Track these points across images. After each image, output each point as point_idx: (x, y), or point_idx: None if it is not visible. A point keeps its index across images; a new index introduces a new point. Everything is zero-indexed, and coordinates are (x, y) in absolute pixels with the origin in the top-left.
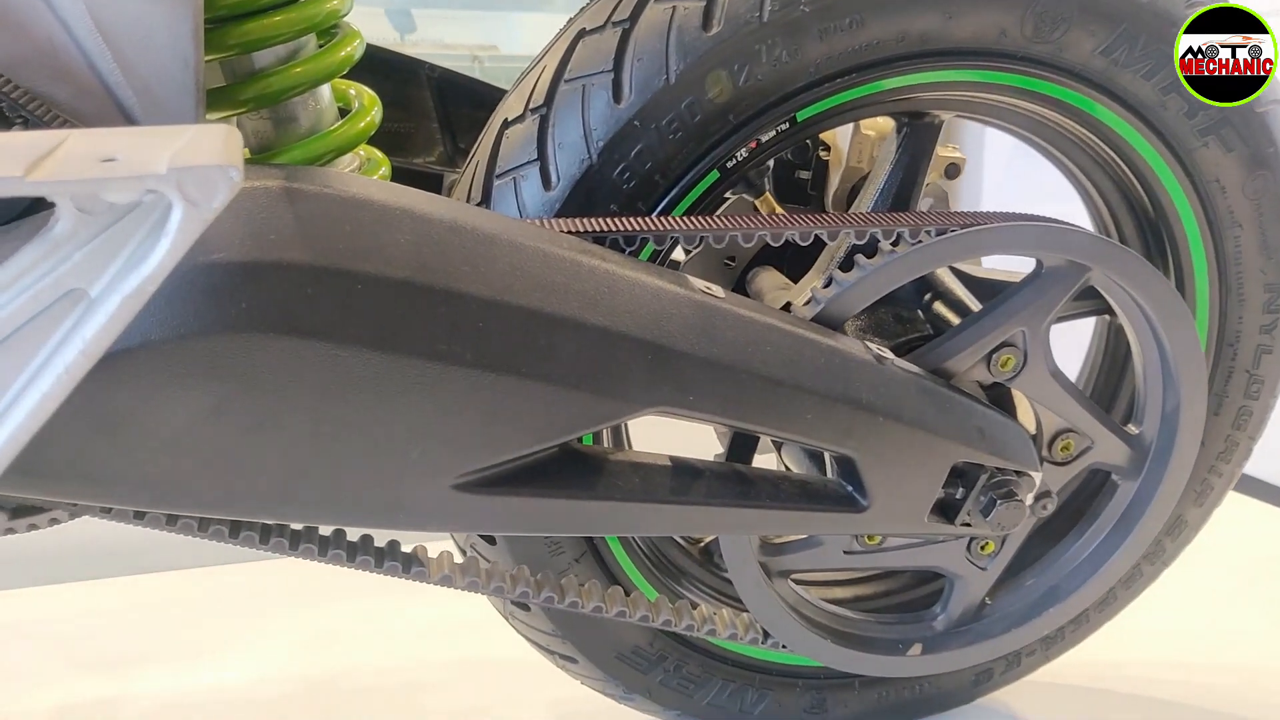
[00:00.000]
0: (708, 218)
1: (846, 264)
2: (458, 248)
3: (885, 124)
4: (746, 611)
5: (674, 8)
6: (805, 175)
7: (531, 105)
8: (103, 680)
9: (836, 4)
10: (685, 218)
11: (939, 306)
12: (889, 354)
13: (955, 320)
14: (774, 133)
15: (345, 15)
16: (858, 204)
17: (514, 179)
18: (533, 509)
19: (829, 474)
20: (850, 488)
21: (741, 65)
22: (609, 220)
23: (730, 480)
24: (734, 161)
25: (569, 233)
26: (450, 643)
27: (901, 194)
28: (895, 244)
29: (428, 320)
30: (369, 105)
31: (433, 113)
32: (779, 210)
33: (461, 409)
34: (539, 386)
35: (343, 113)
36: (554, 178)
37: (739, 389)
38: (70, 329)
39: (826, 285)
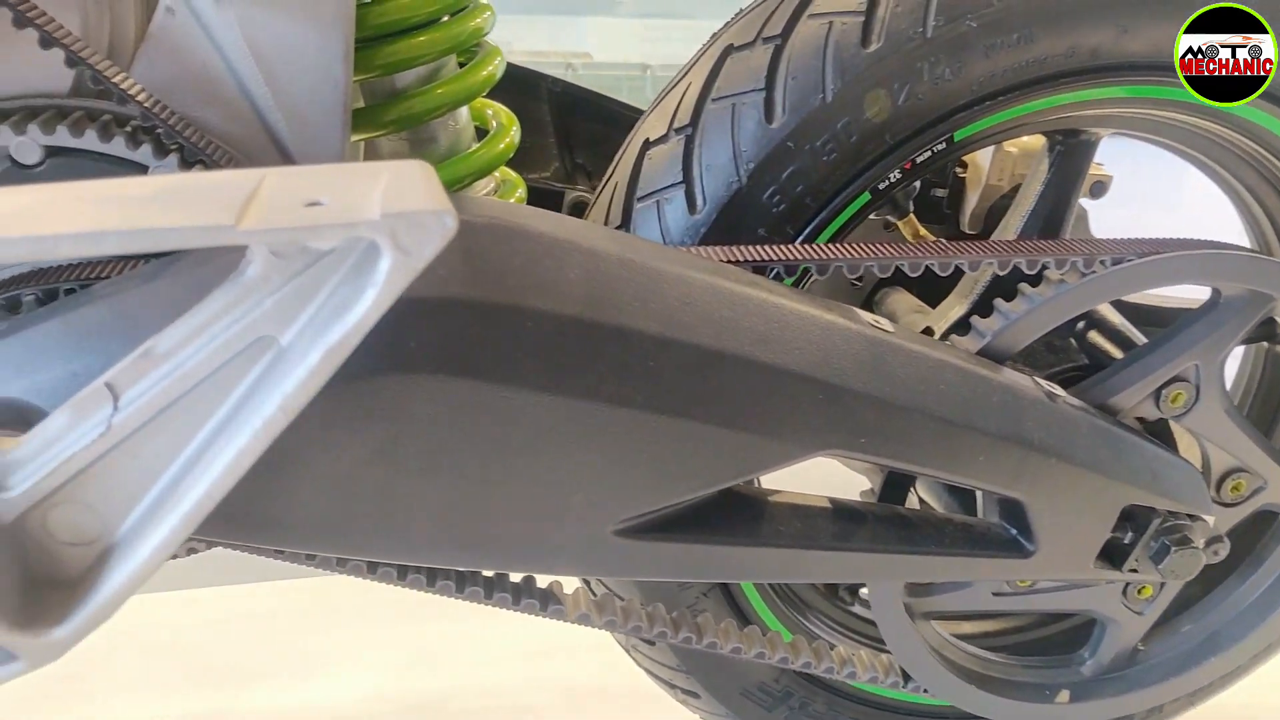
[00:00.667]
0: (877, 245)
1: (1005, 292)
2: (627, 282)
3: (1029, 141)
4: (883, 652)
5: (830, 23)
6: (941, 193)
7: (676, 125)
8: (210, 692)
9: (1005, 19)
10: (852, 246)
11: (1095, 336)
12: (1059, 390)
13: (1113, 350)
14: (929, 153)
15: (488, 33)
16: (1003, 225)
17: (657, 201)
18: (693, 555)
19: (979, 509)
20: (1015, 531)
21: (902, 83)
22: (772, 249)
23: (893, 525)
24: (886, 183)
25: (730, 263)
26: (556, 667)
27: (1053, 216)
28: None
29: (597, 360)
30: (508, 125)
31: (550, 127)
32: (922, 232)
33: (627, 452)
34: (708, 429)
35: (479, 131)
36: (700, 201)
37: (912, 430)
38: (260, 376)
39: (971, 313)
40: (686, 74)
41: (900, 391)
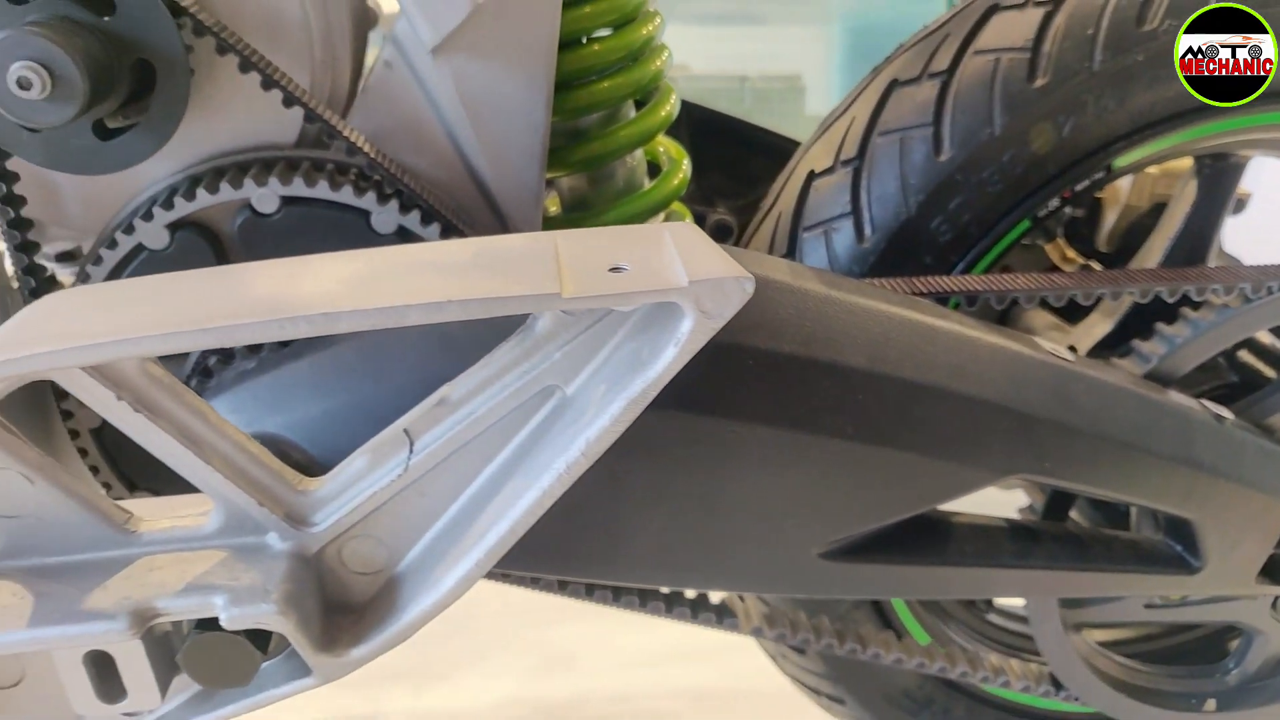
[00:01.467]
0: (1060, 276)
1: (1150, 311)
2: (834, 319)
3: (1172, 162)
4: (1020, 657)
5: (997, 59)
6: (1078, 213)
7: (842, 158)
8: (348, 696)
9: (1171, 50)
10: (1042, 276)
11: (1246, 355)
12: (1226, 413)
13: (1266, 370)
14: (1088, 181)
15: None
16: (1148, 246)
17: (825, 231)
18: (887, 575)
19: (1133, 527)
20: (1181, 548)
21: (1067, 116)
22: (957, 281)
23: (1068, 543)
24: (1046, 210)
25: (916, 294)
26: (685, 671)
27: (1200, 237)
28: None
29: (812, 394)
30: (679, 160)
31: (686, 149)
32: (1069, 254)
33: (837, 481)
34: (909, 457)
35: (649, 165)
36: (867, 230)
37: (1092, 454)
38: (543, 421)
39: (1120, 335)
40: (849, 107)
41: (1082, 417)
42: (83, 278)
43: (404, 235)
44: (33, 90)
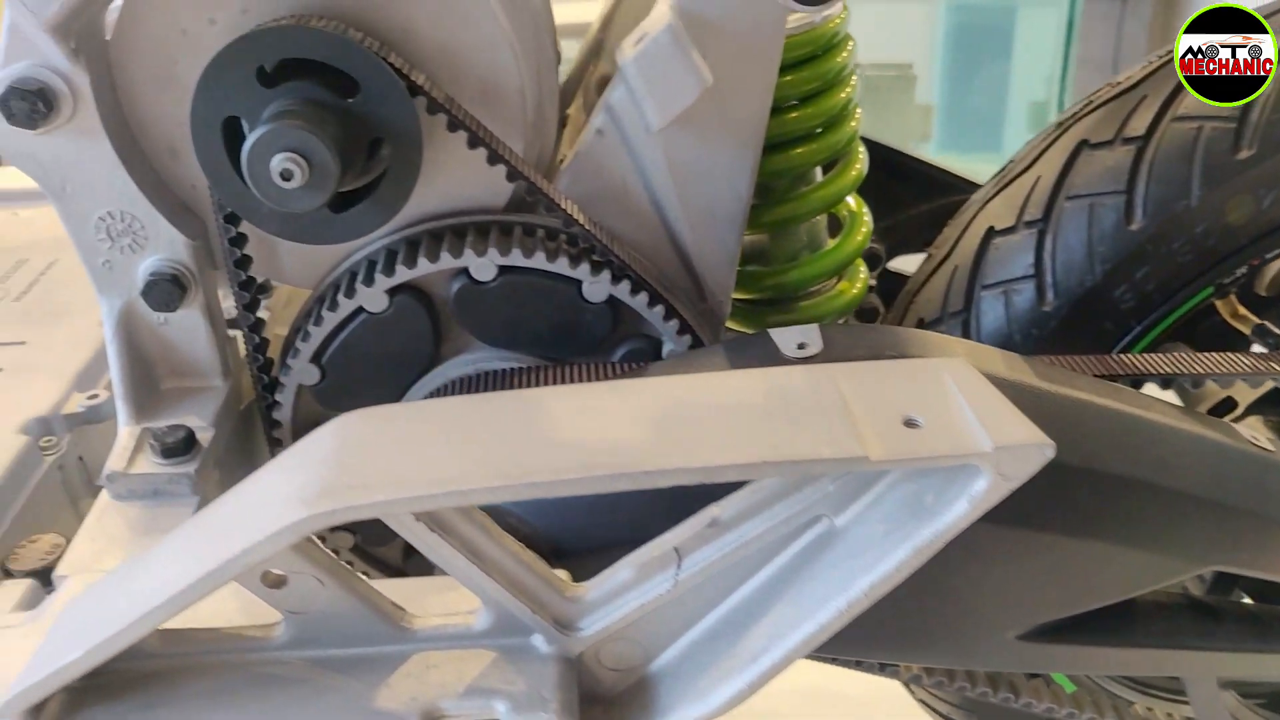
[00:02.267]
0: (1253, 358)
1: None
2: (1050, 415)
3: None
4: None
5: (1200, 127)
6: None
7: (1026, 218)
8: None
9: None
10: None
11: None
12: None
13: None
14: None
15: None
16: None
17: (1005, 291)
18: (1076, 655)
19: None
20: None
21: (1270, 189)
22: (1152, 361)
23: (1250, 623)
24: (1231, 278)
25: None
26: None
27: None
28: None
29: (1028, 491)
30: (859, 214)
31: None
32: (1241, 311)
33: (1042, 571)
34: (1111, 549)
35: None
36: (1050, 295)
37: None
38: (809, 549)
39: None
40: (1034, 164)
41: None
42: (304, 336)
43: (613, 304)
44: (293, 180)
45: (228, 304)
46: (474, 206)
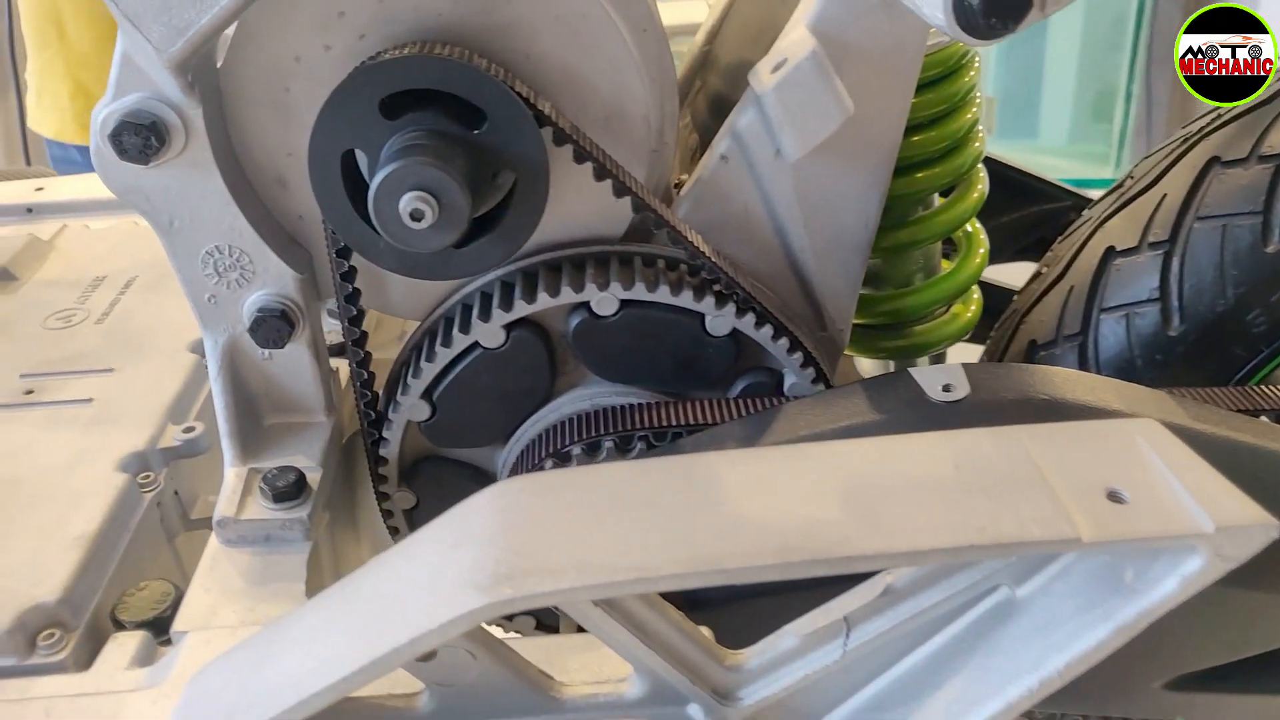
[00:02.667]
0: None
1: None
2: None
3: None
4: None
5: None
6: None
7: (1150, 239)
8: None
9: None
10: None
11: None
12: None
13: None
14: None
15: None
16: None
17: (1127, 315)
18: (1217, 704)
19: None
20: None
21: None
22: None
23: None
24: None
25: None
26: None
27: None
28: None
29: None
30: (977, 236)
31: None
32: None
33: (1197, 622)
34: (1265, 597)
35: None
36: (1176, 319)
37: None
38: (986, 619)
39: None
40: (1158, 182)
41: None
42: (415, 371)
43: (735, 338)
44: (424, 221)
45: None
46: (592, 237)
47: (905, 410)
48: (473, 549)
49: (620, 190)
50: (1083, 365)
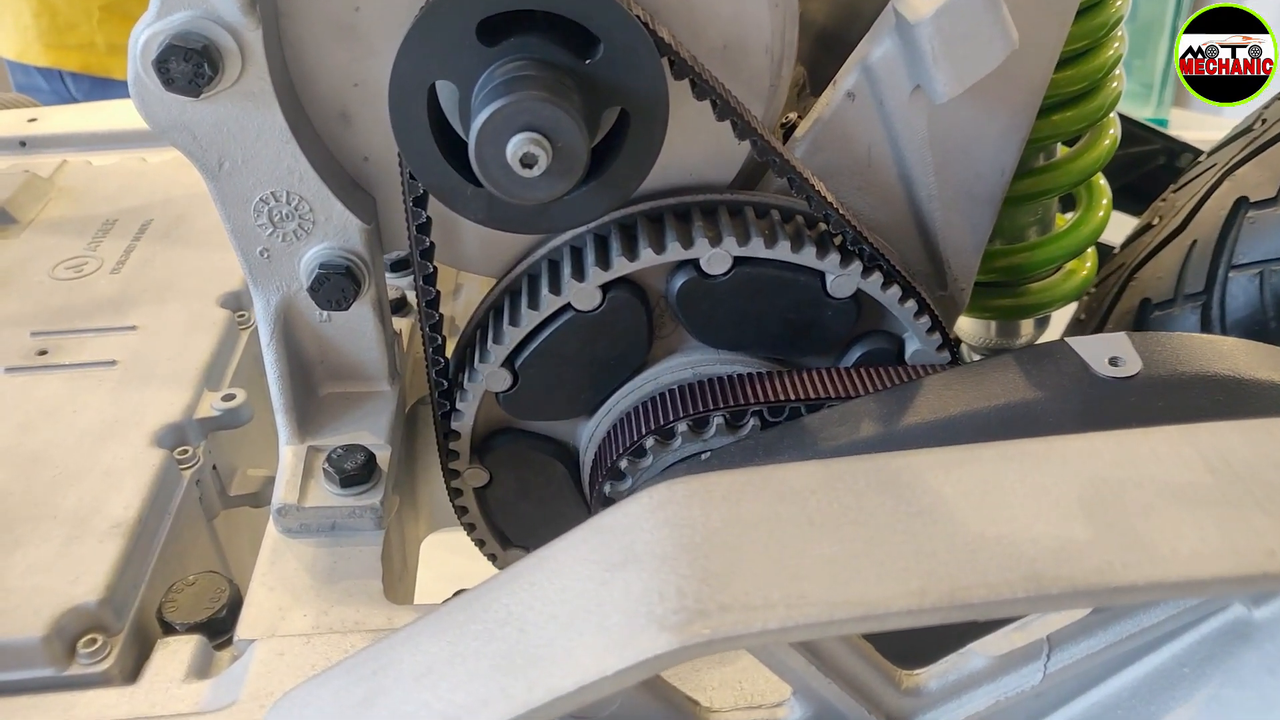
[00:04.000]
0: None
1: None
2: None
3: None
4: None
5: None
6: None
7: None
8: None
9: None
10: None
11: None
12: None
13: None
14: None
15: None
16: None
17: (1261, 273)
18: None
19: None
20: None
21: None
22: None
23: None
24: None
25: None
26: None
27: None
28: None
29: None
30: (1099, 192)
31: None
32: None
33: None
34: None
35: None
36: None
37: None
38: (1212, 640)
39: None
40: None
41: None
42: (496, 336)
43: (857, 299)
44: (536, 167)
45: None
46: (699, 183)
47: (1071, 387)
48: (644, 573)
49: (742, 132)
50: (1205, 326)
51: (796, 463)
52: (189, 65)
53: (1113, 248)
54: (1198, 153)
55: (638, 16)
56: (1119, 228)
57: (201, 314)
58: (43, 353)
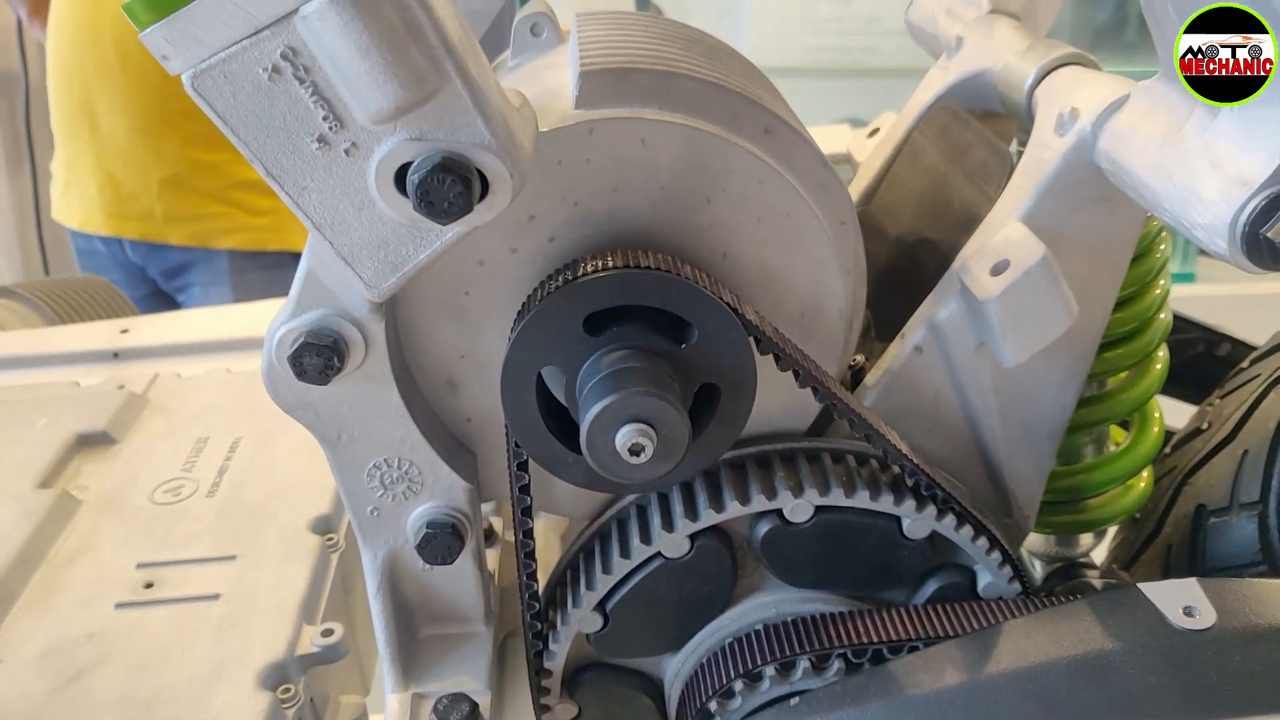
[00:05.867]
0: None
1: None
2: None
3: None
4: None
5: None
6: None
7: None
8: None
9: None
10: None
11: None
12: None
13: None
14: None
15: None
16: None
17: None
18: None
19: None
20: None
21: None
22: None
23: None
24: None
25: None
26: None
27: None
28: None
29: None
30: (1153, 408)
31: None
32: None
33: None
34: None
35: None
36: None
37: None
38: None
39: None
40: None
41: None
42: (589, 583)
43: (933, 540)
44: (643, 455)
45: None
46: (777, 432)
47: (1147, 638)
48: None
49: (822, 396)
50: (1263, 535)
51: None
52: (320, 359)
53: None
54: (1235, 342)
55: (726, 303)
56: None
57: (295, 541)
58: (149, 585)
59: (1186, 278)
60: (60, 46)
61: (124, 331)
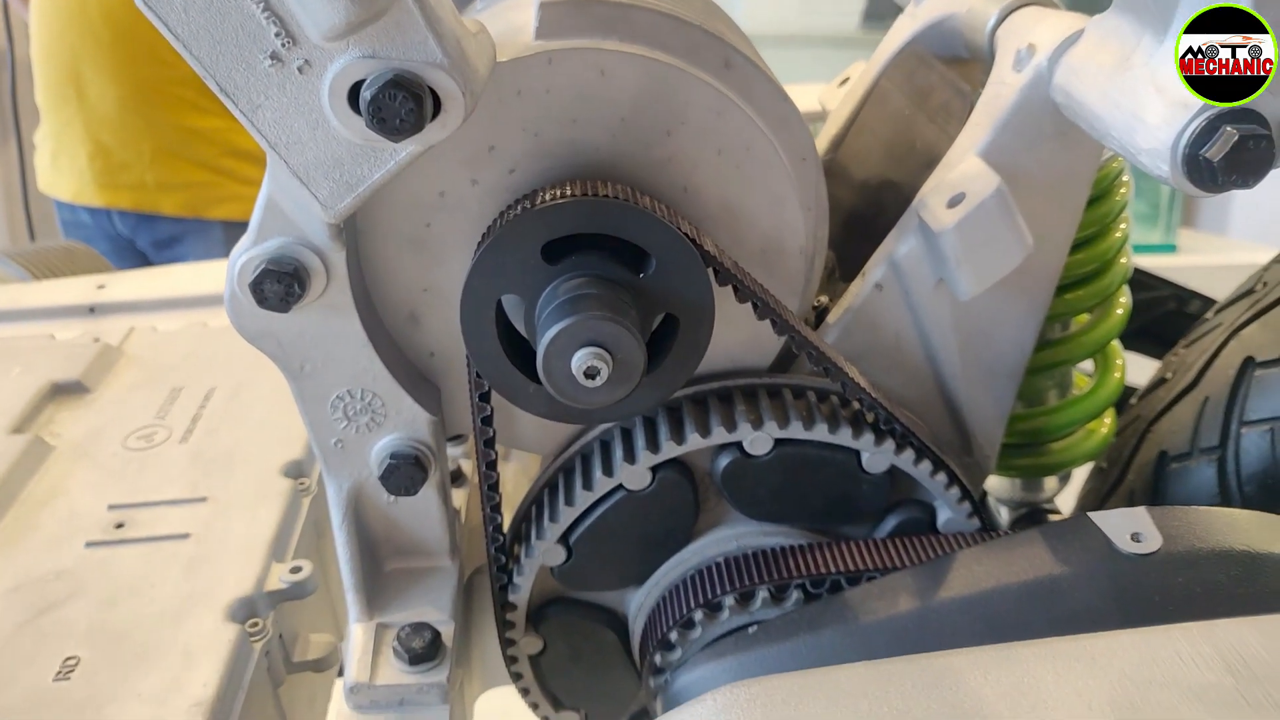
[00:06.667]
0: None
1: None
2: None
3: None
4: None
5: None
6: None
7: None
8: None
9: None
10: None
11: None
12: None
13: None
14: None
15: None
16: None
17: (1272, 429)
18: None
19: None
20: None
21: None
22: None
23: None
24: None
25: None
26: None
27: None
28: None
29: None
30: (1115, 350)
31: None
32: None
33: None
34: None
35: None
36: None
37: None
38: None
39: None
40: None
41: None
42: (552, 515)
43: (892, 475)
44: (599, 378)
45: None
46: (738, 368)
47: (1094, 563)
48: None
49: (781, 329)
50: (1221, 480)
51: (850, 664)
52: (281, 286)
53: (1133, 388)
54: (1205, 299)
55: (685, 233)
56: (1135, 368)
57: (266, 484)
58: (120, 525)
59: (1168, 249)
60: (45, 16)
61: (100, 287)
